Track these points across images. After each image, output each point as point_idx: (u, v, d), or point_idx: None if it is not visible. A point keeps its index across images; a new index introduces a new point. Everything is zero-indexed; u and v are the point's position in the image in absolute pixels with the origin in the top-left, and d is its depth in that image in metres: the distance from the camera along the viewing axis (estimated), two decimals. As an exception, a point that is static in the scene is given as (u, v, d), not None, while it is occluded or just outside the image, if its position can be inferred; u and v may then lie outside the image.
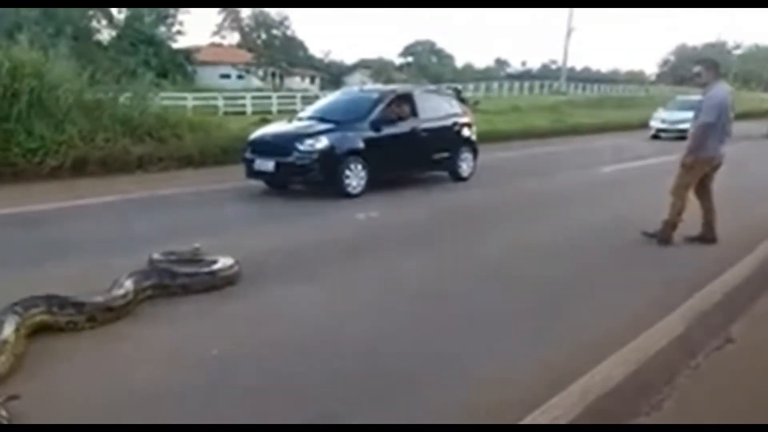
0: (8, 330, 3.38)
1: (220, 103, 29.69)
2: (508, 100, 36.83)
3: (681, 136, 19.38)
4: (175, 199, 8.76)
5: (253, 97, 32.90)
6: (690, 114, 20.31)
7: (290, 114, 14.68)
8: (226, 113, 27.02)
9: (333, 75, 63.64)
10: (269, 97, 33.85)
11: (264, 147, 9.21)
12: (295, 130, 9.44)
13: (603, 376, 3.19)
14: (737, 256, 5.54)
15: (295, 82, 54.93)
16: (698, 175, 6.18)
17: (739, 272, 5.11)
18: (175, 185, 9.61)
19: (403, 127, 9.74)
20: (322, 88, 52.59)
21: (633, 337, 3.68)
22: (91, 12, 48.38)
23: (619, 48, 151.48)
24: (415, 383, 3.23)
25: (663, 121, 20.83)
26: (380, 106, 9.57)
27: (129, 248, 5.50)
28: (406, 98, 10.12)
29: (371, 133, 9.25)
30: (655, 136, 20.46)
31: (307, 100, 33.35)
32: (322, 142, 8.82)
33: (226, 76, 51.25)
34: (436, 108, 10.57)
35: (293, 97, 34.94)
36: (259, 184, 9.45)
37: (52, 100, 10.51)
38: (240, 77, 52.12)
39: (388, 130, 9.46)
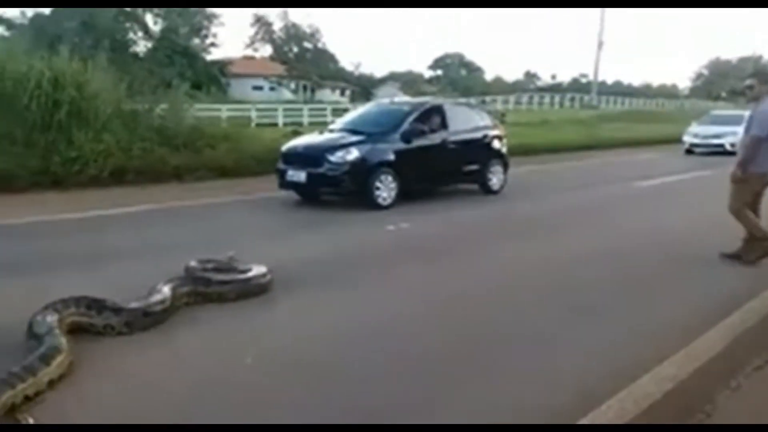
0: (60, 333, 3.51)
1: (253, 114, 30.14)
2: (537, 113, 36.68)
3: (715, 151, 19.27)
4: (210, 209, 8.90)
5: (285, 109, 33.31)
6: (724, 129, 19.88)
7: (321, 126, 14.85)
8: (258, 125, 27.38)
9: (363, 87, 64.11)
10: (300, 109, 34.22)
11: (296, 158, 9.31)
12: (326, 141, 9.55)
13: (638, 394, 3.14)
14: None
15: (325, 94, 55.46)
16: (752, 190, 5.92)
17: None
18: (209, 195, 9.78)
19: (433, 140, 9.79)
20: (353, 100, 52.94)
21: (672, 352, 3.62)
22: (128, 24, 49.64)
23: (651, 62, 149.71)
24: (458, 387, 3.23)
25: (696, 135, 20.54)
26: (411, 119, 9.64)
27: (166, 256, 5.60)
28: (437, 111, 10.17)
29: (402, 145, 9.32)
30: (689, 151, 20.19)
31: (338, 112, 33.72)
32: (353, 154, 8.90)
33: (259, 88, 51.99)
34: (467, 120, 10.61)
35: (324, 109, 35.29)
36: (290, 194, 9.55)
37: (91, 110, 10.80)
38: (272, 89, 52.84)
39: (418, 142, 9.51)
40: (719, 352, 3.72)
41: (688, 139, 20.68)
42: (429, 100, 11.84)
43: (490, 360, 3.69)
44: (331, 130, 10.29)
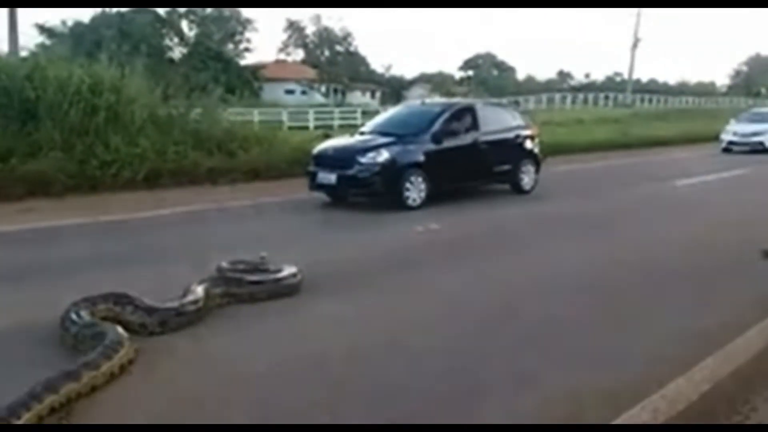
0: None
1: (285, 117, 30.47)
2: (570, 112, 36.20)
3: (754, 149, 18.78)
4: (242, 211, 9.00)
5: (316, 112, 33.63)
6: (764, 126, 19.40)
7: (351, 128, 14.91)
8: (290, 128, 27.64)
9: (393, 89, 64.18)
10: (331, 112, 34.50)
11: (326, 160, 9.38)
12: (356, 143, 9.63)
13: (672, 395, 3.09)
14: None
15: (356, 96, 55.70)
16: None
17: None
18: (242, 197, 9.89)
19: (464, 140, 9.80)
20: (383, 102, 53.08)
21: (707, 353, 3.55)
22: (164, 30, 50.64)
23: (687, 59, 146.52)
24: (487, 391, 3.22)
25: (735, 133, 20.08)
26: (442, 119, 9.65)
27: (199, 258, 5.70)
28: (468, 111, 10.18)
29: (432, 146, 9.33)
30: (726, 149, 19.71)
31: (368, 114, 33.85)
32: (383, 156, 8.96)
33: (291, 92, 52.48)
34: (498, 120, 10.57)
35: (354, 111, 35.51)
36: (321, 196, 9.61)
37: (128, 114, 11.05)
38: (304, 93, 53.31)
39: (449, 143, 9.52)
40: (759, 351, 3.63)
41: (726, 137, 20.24)
42: (460, 100, 11.94)
43: (517, 368, 3.60)
44: (362, 132, 10.35)
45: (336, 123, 31.99)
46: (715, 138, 20.80)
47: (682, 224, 8.16)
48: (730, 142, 19.87)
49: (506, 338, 4.03)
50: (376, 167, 8.88)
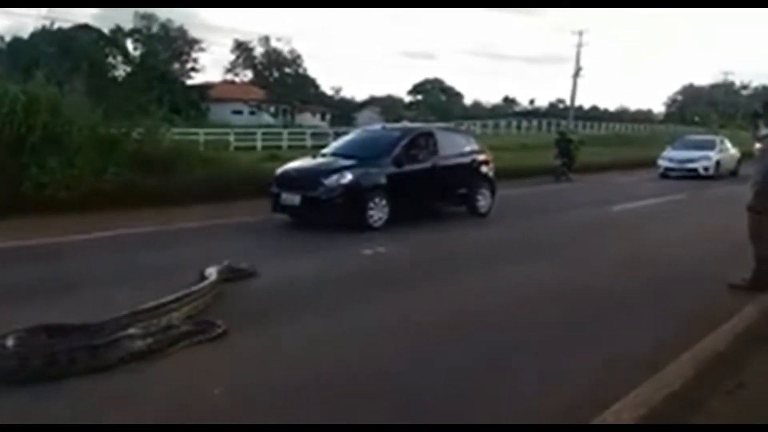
0: None
1: (231, 138, 30.06)
2: (515, 137, 37.06)
3: (689, 175, 19.57)
4: (186, 233, 8.80)
5: (264, 133, 33.33)
6: (698, 153, 20.22)
7: (300, 150, 14.85)
8: (237, 148, 27.32)
9: (343, 111, 64.52)
10: (280, 133, 34.29)
11: (290, 182, 9.46)
12: (319, 165, 9.76)
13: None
14: None
15: (306, 118, 55.68)
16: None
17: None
18: (185, 219, 9.57)
19: (424, 164, 10.03)
20: (332, 124, 53.25)
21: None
22: (107, 49, 49.57)
23: (626, 87, 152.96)
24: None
25: (671, 160, 20.88)
26: (402, 143, 9.86)
27: (145, 279, 5.48)
28: (428, 136, 10.46)
29: (393, 169, 9.51)
30: (664, 175, 20.46)
31: (317, 136, 33.85)
32: (347, 177, 9.07)
33: (239, 113, 52.01)
34: (456, 145, 10.88)
35: (303, 133, 35.41)
36: (270, 218, 9.54)
37: (66, 135, 10.65)
38: (252, 113, 52.92)
39: (409, 167, 9.74)
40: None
41: (663, 163, 20.99)
42: (419, 125, 12.16)
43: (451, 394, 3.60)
44: (324, 155, 10.46)
45: (285, 144, 31.81)
46: (654, 163, 21.59)
47: (613, 245, 8.47)
48: (667, 168, 20.63)
49: (434, 363, 4.00)
50: (340, 189, 8.98)
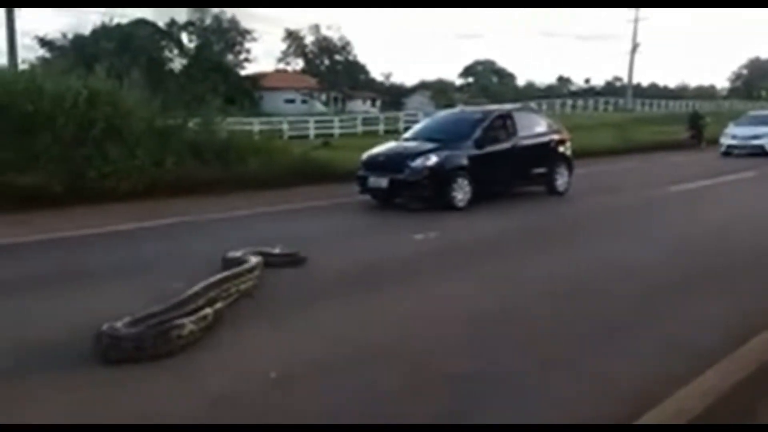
0: None
1: (285, 127, 30.39)
2: (570, 117, 36.17)
3: (753, 152, 18.58)
4: (238, 221, 8.98)
5: (316, 121, 33.57)
6: (764, 129, 19.11)
7: (352, 137, 14.92)
8: (290, 137, 27.59)
9: (393, 97, 64.35)
10: (331, 121, 34.44)
11: (377, 165, 9.91)
12: (405, 149, 10.16)
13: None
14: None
15: (356, 105, 55.93)
16: None
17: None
18: (240, 207, 9.79)
19: (504, 145, 10.32)
20: (382, 110, 53.18)
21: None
22: (163, 42, 50.87)
23: (687, 63, 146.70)
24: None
25: (734, 137, 19.93)
26: (483, 125, 10.17)
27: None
28: (506, 117, 10.72)
29: (475, 151, 9.84)
30: (726, 153, 19.57)
31: (368, 121, 33.96)
32: (432, 160, 9.45)
33: (291, 101, 52.64)
34: (534, 126, 11.14)
35: (354, 119, 35.46)
36: (317, 204, 9.99)
37: (125, 126, 11.00)
38: (304, 102, 53.50)
39: (490, 148, 10.06)
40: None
41: (725, 140, 20.09)
42: (499, 107, 12.31)
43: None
44: (406, 139, 10.97)
45: (337, 131, 31.97)
46: (715, 141, 20.67)
47: (682, 225, 8.22)
48: (730, 146, 19.72)
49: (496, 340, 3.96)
50: (426, 171, 9.36)
